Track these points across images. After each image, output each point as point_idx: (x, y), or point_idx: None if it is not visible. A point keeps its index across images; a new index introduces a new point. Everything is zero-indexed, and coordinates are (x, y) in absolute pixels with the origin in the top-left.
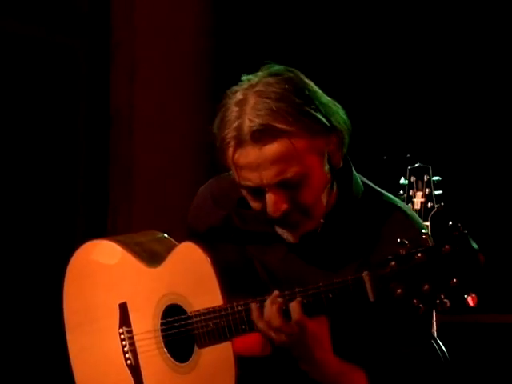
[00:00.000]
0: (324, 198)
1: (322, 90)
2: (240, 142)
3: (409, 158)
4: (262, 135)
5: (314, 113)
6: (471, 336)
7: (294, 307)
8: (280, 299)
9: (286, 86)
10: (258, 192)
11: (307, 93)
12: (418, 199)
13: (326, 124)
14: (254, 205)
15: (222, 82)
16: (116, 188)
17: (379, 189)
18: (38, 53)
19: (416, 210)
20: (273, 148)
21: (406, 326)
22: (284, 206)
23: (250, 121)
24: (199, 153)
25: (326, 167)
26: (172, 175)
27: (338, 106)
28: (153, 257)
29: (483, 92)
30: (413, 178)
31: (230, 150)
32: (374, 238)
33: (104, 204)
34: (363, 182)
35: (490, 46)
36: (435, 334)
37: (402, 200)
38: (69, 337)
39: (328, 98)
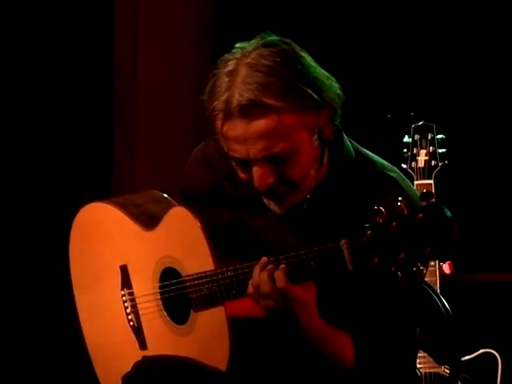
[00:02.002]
0: (313, 172)
1: (325, 49)
2: (228, 115)
3: (413, 116)
4: (251, 110)
5: (306, 88)
6: (472, 295)
7: (279, 274)
8: (269, 266)
9: (279, 59)
10: (246, 164)
11: (300, 67)
12: (422, 157)
13: (317, 100)
14: (242, 175)
15: (226, 43)
16: (120, 148)
17: (373, 156)
18: (39, 12)
19: (420, 168)
20: (260, 123)
21: (388, 293)
22: (270, 180)
23: (240, 95)
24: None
25: (316, 142)
26: (175, 137)
27: (333, 79)
28: (150, 218)
29: (488, 47)
30: (417, 136)
31: (219, 122)
32: (365, 211)
33: (108, 164)
34: (356, 151)
35: (493, 2)
36: (438, 291)
37: (406, 158)
38: (77, 296)
39: (322, 72)
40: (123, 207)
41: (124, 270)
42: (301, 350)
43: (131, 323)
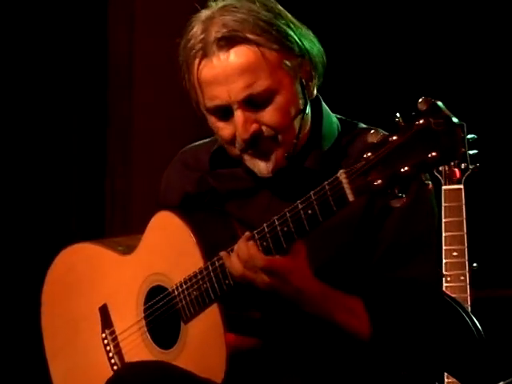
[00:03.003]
0: (296, 124)
1: (334, 38)
2: (205, 53)
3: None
4: (229, 42)
5: (285, 28)
6: (507, 313)
7: (251, 247)
8: (256, 235)
9: (257, 3)
10: (226, 113)
11: (278, 12)
12: None
13: (297, 43)
14: (224, 132)
15: None
16: (113, 148)
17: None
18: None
19: (447, 173)
20: (240, 56)
21: (398, 232)
22: (253, 127)
23: (216, 31)
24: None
25: (299, 91)
26: (174, 133)
27: (313, 35)
28: (128, 248)
29: None
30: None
31: (195, 66)
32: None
33: (102, 164)
34: (337, 117)
35: None
36: (469, 310)
37: None
38: (51, 366)
39: (302, 25)
40: (99, 242)
41: (103, 310)
42: (310, 337)
43: (115, 367)
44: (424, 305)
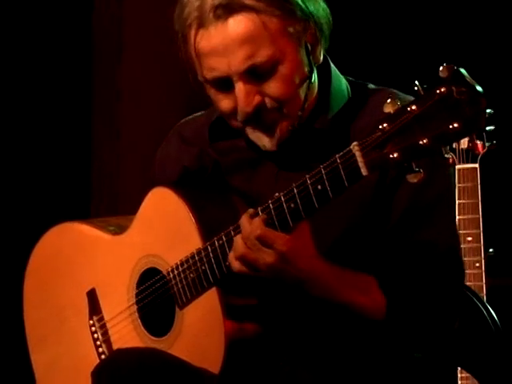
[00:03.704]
0: (302, 93)
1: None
2: (202, 23)
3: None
4: (227, 11)
5: None
6: None
7: (256, 222)
8: (260, 212)
9: None
10: (227, 85)
11: None
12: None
13: (300, 5)
14: (224, 105)
15: None
16: (99, 124)
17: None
18: None
19: (462, 150)
20: (239, 25)
21: (416, 208)
22: (256, 99)
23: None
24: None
25: (304, 57)
26: (163, 109)
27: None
28: (120, 228)
29: None
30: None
31: (192, 36)
32: (365, 127)
33: (87, 142)
34: (346, 78)
35: None
36: (484, 299)
37: None
38: (33, 356)
39: None
40: (88, 221)
41: (91, 295)
42: (317, 323)
43: (102, 356)
44: (441, 275)
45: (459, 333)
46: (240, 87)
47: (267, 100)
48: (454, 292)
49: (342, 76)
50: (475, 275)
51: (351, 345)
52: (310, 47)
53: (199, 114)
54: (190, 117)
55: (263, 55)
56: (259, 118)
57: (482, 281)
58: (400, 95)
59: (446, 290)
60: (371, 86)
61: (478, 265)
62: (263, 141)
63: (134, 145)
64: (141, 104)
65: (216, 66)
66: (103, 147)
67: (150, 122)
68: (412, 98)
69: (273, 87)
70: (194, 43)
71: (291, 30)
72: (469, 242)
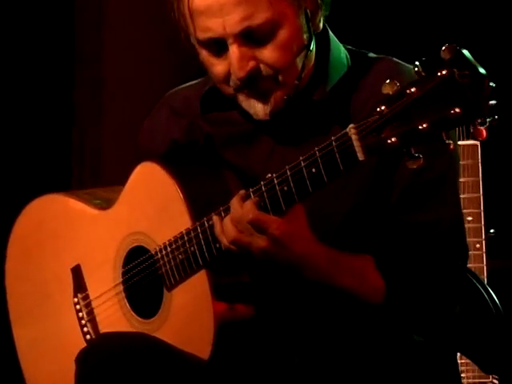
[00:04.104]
0: (299, 62)
1: None
2: None
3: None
4: None
5: None
6: None
7: (248, 205)
8: (252, 194)
9: None
10: (220, 48)
11: None
12: None
13: None
14: (217, 69)
15: None
16: (82, 96)
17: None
18: None
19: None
20: None
21: (415, 192)
22: (251, 64)
23: None
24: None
25: (303, 24)
26: (149, 81)
27: None
28: (106, 201)
29: None
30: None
31: None
32: (366, 99)
33: (69, 115)
34: (345, 47)
35: None
36: (485, 281)
37: None
38: (16, 331)
39: None
40: (72, 193)
41: (76, 271)
42: (311, 305)
43: (87, 336)
44: (443, 257)
45: (459, 316)
46: (234, 50)
47: (262, 66)
48: (455, 275)
49: (341, 44)
50: (476, 257)
51: (348, 329)
52: (309, 14)
53: (189, 84)
54: (181, 87)
55: (261, 17)
56: (253, 84)
57: (483, 263)
58: (402, 66)
59: (447, 273)
60: (372, 54)
61: (478, 246)
62: (256, 109)
63: (118, 118)
64: (125, 75)
65: (210, 27)
66: (85, 124)
67: (135, 92)
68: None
69: (269, 53)
70: (188, 1)
71: None
72: (469, 221)
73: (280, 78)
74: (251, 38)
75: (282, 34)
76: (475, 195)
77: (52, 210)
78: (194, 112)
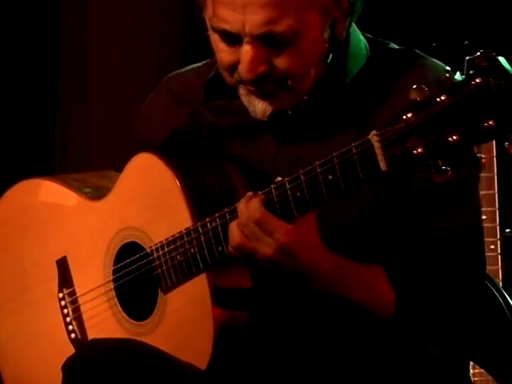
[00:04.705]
0: (313, 73)
1: None
2: None
3: (467, 45)
4: None
5: None
6: None
7: (254, 204)
8: (262, 195)
9: None
10: (234, 39)
11: None
12: None
13: None
14: (224, 57)
15: None
16: (66, 86)
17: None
18: None
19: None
20: None
21: (439, 204)
22: (261, 68)
23: None
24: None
25: (326, 34)
26: (135, 72)
27: None
28: (98, 191)
29: None
30: (472, 73)
31: None
32: (386, 96)
33: (52, 106)
34: (364, 35)
35: None
36: (500, 285)
37: None
38: None
39: None
40: (60, 180)
41: (62, 264)
42: (317, 312)
43: (72, 335)
44: (459, 267)
45: (473, 323)
46: (248, 50)
47: (273, 70)
48: (471, 287)
49: (359, 32)
50: (490, 258)
51: (355, 341)
52: (336, 22)
53: (192, 67)
54: (183, 70)
55: (285, 24)
56: (260, 83)
57: (498, 265)
58: (427, 60)
59: (462, 286)
60: (393, 45)
61: (493, 247)
62: (256, 107)
63: (105, 109)
64: (112, 64)
65: (229, 20)
66: (69, 114)
67: (123, 81)
68: (442, 65)
69: (284, 59)
70: None
71: (322, 2)
72: (483, 221)
73: (289, 83)
74: (269, 41)
75: (302, 43)
76: (490, 192)
77: (37, 196)
78: (196, 98)
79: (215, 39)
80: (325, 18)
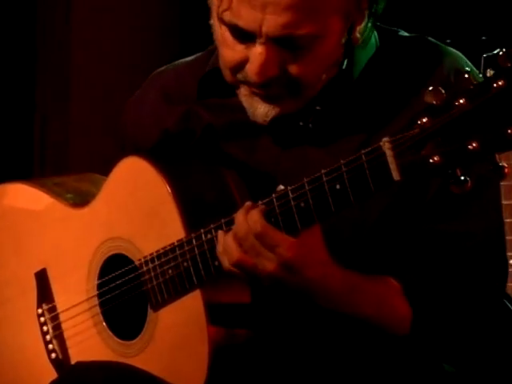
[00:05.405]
0: (324, 77)
1: None
2: None
3: (484, 41)
4: None
5: None
6: None
7: (254, 216)
8: (262, 206)
9: None
10: (245, 37)
11: None
12: None
13: None
14: (230, 54)
15: None
16: (44, 82)
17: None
18: None
19: None
20: None
21: (457, 215)
22: (272, 71)
23: None
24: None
25: (344, 39)
26: (120, 66)
27: None
28: (80, 196)
29: None
30: (490, 72)
31: None
32: (398, 89)
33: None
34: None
35: None
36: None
37: None
38: None
39: None
40: (39, 184)
41: (41, 277)
42: (322, 329)
43: (53, 355)
44: (478, 279)
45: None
46: (261, 51)
47: (284, 75)
48: (491, 298)
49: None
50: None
51: (363, 361)
52: (353, 27)
53: (183, 61)
54: (172, 64)
55: (306, 28)
56: (265, 87)
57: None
58: (442, 48)
59: (483, 296)
60: (403, 33)
61: None
62: (257, 110)
63: (87, 108)
64: (94, 60)
65: (245, 17)
66: (48, 113)
67: (105, 79)
68: (459, 54)
69: (299, 65)
70: None
71: (347, 7)
72: None
73: (298, 90)
74: (286, 44)
75: (320, 48)
76: (509, 202)
77: (14, 202)
78: (189, 95)
79: (222, 33)
80: (345, 23)
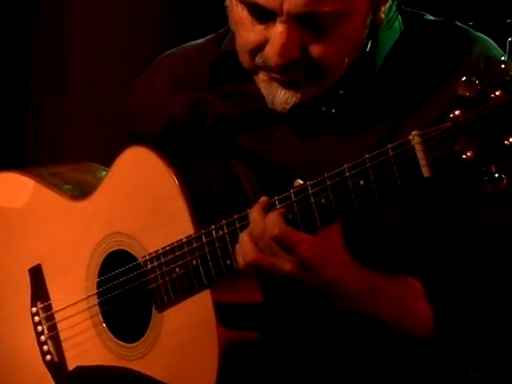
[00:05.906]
0: (347, 62)
1: None
2: None
3: (509, 24)
4: None
5: None
6: None
7: (272, 219)
8: (278, 203)
9: None
10: (264, 16)
11: None
12: None
13: None
14: (248, 36)
15: None
16: (39, 73)
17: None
18: None
19: None
20: None
21: (484, 216)
22: (294, 52)
23: None
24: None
25: (369, 19)
26: (118, 54)
27: None
28: (79, 188)
29: None
30: None
31: None
32: (424, 76)
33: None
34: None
35: None
36: None
37: None
38: None
39: None
40: (35, 173)
41: (36, 273)
42: (339, 332)
43: (47, 357)
44: (506, 280)
45: None
46: (282, 31)
47: (306, 57)
48: None
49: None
50: None
51: (386, 364)
52: (378, 6)
53: (192, 44)
54: (181, 48)
55: (331, 5)
56: (286, 71)
57: None
58: (472, 34)
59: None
60: (429, 16)
61: None
62: (276, 97)
63: (83, 101)
64: (91, 50)
65: None
66: (43, 106)
67: (103, 70)
68: (489, 40)
69: (321, 46)
70: None
71: None
72: None
73: (319, 74)
74: (308, 22)
75: (344, 28)
76: None
77: (8, 193)
78: (200, 81)
79: (240, 13)
80: (371, 2)
